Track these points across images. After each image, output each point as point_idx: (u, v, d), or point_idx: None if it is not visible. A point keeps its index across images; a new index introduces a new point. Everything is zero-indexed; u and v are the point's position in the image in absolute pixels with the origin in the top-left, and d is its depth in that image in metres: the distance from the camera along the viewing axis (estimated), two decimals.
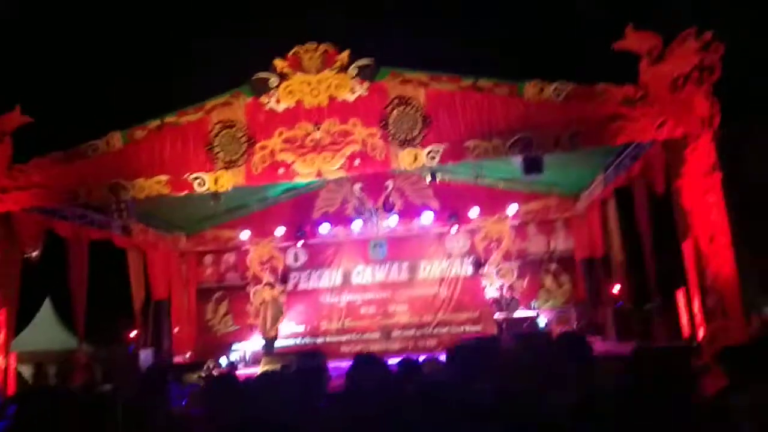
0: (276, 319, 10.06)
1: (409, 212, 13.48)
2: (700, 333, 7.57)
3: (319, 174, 8.91)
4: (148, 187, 8.88)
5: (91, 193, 9.09)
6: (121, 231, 11.61)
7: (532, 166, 8.17)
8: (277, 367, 5.50)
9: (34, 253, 9.71)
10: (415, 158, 8.59)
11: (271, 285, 10.98)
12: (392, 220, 13.32)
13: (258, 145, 8.94)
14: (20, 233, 9.25)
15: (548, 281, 12.98)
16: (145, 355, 10.99)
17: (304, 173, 8.95)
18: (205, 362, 9.29)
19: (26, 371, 11.31)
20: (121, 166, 9.03)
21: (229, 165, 8.90)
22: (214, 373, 9.40)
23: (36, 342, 15.28)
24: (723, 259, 7.38)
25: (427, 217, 13.12)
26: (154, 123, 9.09)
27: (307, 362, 5.18)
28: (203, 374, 8.97)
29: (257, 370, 8.34)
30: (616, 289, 10.53)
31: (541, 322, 11.33)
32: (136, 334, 11.91)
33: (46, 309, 18.15)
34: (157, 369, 4.32)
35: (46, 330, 17.40)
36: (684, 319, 8.08)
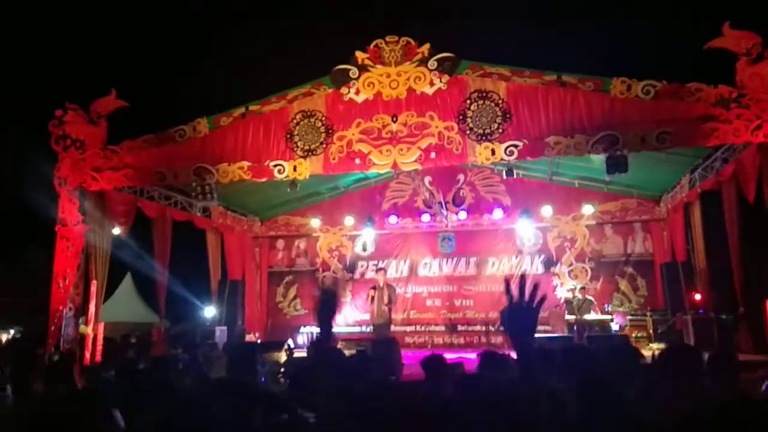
0: (390, 303, 10.05)
1: (480, 207, 13.37)
2: None
3: (395, 165, 8.98)
4: (231, 172, 9.22)
5: (178, 175, 9.53)
6: (201, 213, 12.16)
7: (616, 165, 7.91)
8: (353, 351, 5.62)
9: (123, 230, 10.32)
10: (493, 153, 8.50)
11: (384, 271, 11.05)
12: (462, 214, 13.25)
13: (336, 135, 9.10)
14: (112, 211, 9.84)
15: (623, 284, 12.56)
16: (221, 332, 11.45)
17: (380, 164, 9.04)
18: (284, 342, 9.58)
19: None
20: (207, 151, 9.42)
21: (308, 154, 9.11)
22: (295, 353, 9.70)
23: (118, 314, 16.29)
24: None
25: (497, 213, 12.97)
26: (239, 111, 9.42)
27: (382, 349, 5.29)
28: (287, 353, 9.28)
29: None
30: (698, 296, 10.06)
31: (614, 326, 10.98)
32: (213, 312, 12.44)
33: (127, 283, 19.31)
34: (244, 347, 4.51)
35: (127, 303, 18.52)
36: None
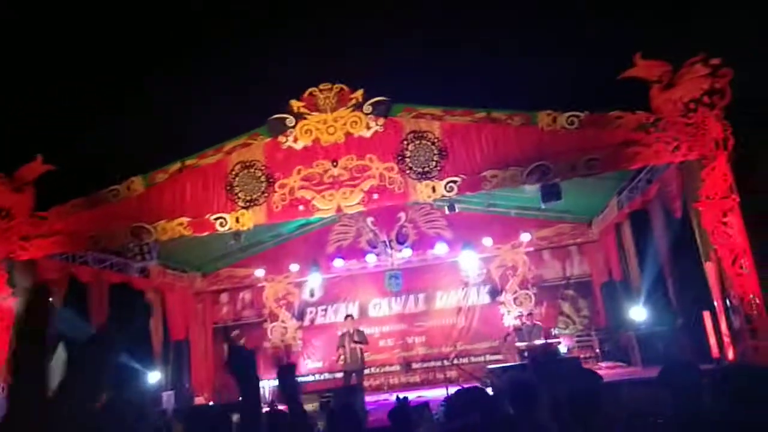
0: (361, 348, 10.52)
1: (423, 243, 13.56)
2: (729, 354, 7.54)
3: (338, 209, 9.02)
4: (171, 229, 8.98)
5: (113, 237, 9.19)
6: (139, 273, 11.71)
7: (550, 194, 8.27)
8: (315, 405, 5.49)
9: (56, 299, 9.76)
10: (434, 190, 8.69)
11: (351, 317, 11.38)
12: (406, 252, 13.39)
13: (277, 183, 9.08)
14: (44, 280, 9.31)
15: (566, 307, 12.96)
16: (168, 397, 10.92)
17: (324, 209, 9.06)
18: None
19: None
20: (143, 209, 9.15)
21: (250, 204, 9.02)
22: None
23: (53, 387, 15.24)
24: (747, 280, 7.41)
25: (441, 248, 13.18)
26: (175, 166, 9.25)
27: (345, 399, 5.20)
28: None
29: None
30: (638, 312, 10.50)
31: (563, 348, 11.25)
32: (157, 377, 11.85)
33: (60, 354, 18.19)
34: (205, 411, 4.33)
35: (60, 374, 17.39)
36: (712, 340, 8.05)
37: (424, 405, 4.66)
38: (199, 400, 12.22)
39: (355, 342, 10.57)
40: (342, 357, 10.65)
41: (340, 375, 13.12)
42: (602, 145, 8.13)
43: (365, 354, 11.01)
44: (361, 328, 11.24)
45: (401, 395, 6.01)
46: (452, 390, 6.84)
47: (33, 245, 9.00)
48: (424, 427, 3.79)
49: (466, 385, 5.11)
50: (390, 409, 4.07)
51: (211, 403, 11.97)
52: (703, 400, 3.00)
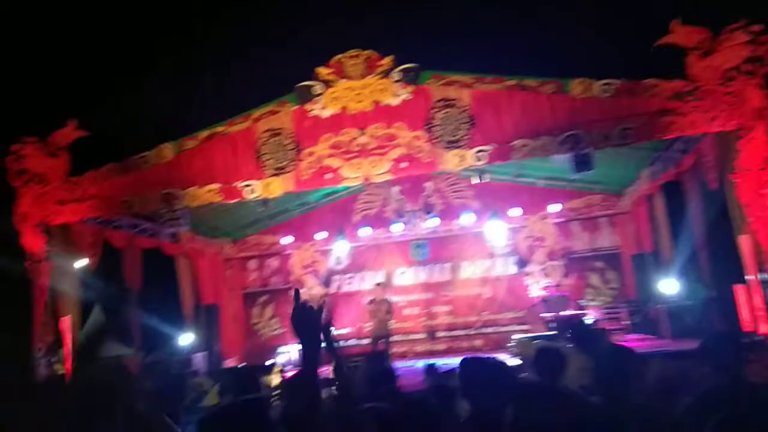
0: (389, 316, 10.95)
1: (450, 213, 13.51)
2: (762, 328, 7.42)
3: (366, 178, 9.00)
4: (201, 195, 9.09)
5: (145, 203, 9.34)
6: (170, 239, 11.94)
7: (582, 163, 8.11)
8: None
9: (91, 263, 10.04)
10: (462, 159, 8.61)
11: (382, 285, 11.69)
12: (433, 222, 13.36)
13: (305, 151, 9.08)
14: (78, 244, 9.58)
15: (594, 279, 12.86)
16: (199, 359, 11.23)
17: (351, 178, 9.05)
18: (272, 364, 9.47)
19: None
20: (174, 176, 9.26)
21: (278, 172, 9.06)
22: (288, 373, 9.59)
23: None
24: None
25: (467, 218, 13.11)
26: (204, 133, 9.31)
27: (375, 363, 5.27)
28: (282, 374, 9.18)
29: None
30: (668, 285, 10.35)
31: (589, 320, 11.20)
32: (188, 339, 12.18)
33: (95, 317, 18.75)
34: (247, 373, 4.45)
35: (95, 338, 17.97)
36: (744, 314, 7.92)
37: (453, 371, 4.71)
38: (228, 363, 12.53)
39: (384, 311, 10.74)
40: (371, 323, 10.88)
41: (366, 341, 13.35)
42: (637, 114, 7.92)
43: (391, 322, 11.17)
44: (388, 297, 11.36)
45: (429, 362, 6.07)
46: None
47: (68, 210, 9.21)
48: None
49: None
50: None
51: (242, 365, 12.27)
52: (743, 373, 2.96)
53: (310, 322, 1.99)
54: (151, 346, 12.92)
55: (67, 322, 9.23)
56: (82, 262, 9.81)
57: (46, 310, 9.04)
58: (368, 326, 11.06)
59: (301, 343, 2.01)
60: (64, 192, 9.27)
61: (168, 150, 9.34)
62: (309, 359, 2.00)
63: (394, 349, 13.16)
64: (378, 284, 11.76)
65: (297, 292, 2.08)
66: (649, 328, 10.94)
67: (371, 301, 11.15)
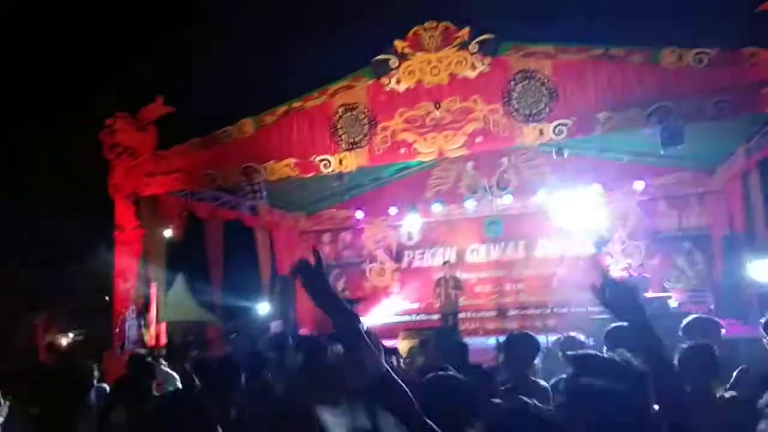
0: (457, 294, 11.14)
1: (526, 189, 13.16)
2: None
3: (440, 153, 8.92)
4: (279, 169, 9.32)
5: (227, 176, 9.69)
6: (249, 211, 12.35)
7: (672, 137, 7.66)
8: (416, 341, 5.62)
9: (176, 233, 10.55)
10: (541, 133, 8.35)
11: (449, 264, 11.89)
12: (507, 198, 13.07)
13: (380, 126, 9.08)
14: (165, 214, 10.08)
15: (680, 260, 12.21)
16: (275, 327, 11.63)
17: (426, 152, 8.99)
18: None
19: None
20: (253, 150, 9.53)
21: (353, 146, 9.12)
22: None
23: (173, 315, 16.71)
24: None
25: (544, 194, 12.74)
26: (282, 108, 9.50)
27: (446, 338, 5.28)
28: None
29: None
30: (761, 268, 9.68)
31: (673, 303, 10.68)
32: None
33: (180, 284, 19.78)
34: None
35: (181, 304, 18.98)
36: None
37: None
38: (302, 332, 12.90)
39: (452, 288, 10.71)
40: (439, 300, 10.88)
41: (435, 317, 13.38)
42: (734, 86, 7.37)
43: (460, 299, 11.15)
44: (457, 275, 11.29)
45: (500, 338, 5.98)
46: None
47: (156, 182, 9.70)
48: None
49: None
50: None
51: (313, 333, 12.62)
52: None
53: (314, 277, 1.75)
54: (230, 313, 13.52)
55: (155, 288, 9.77)
56: (168, 232, 10.34)
57: (139, 276, 9.61)
58: (437, 303, 11.07)
59: (311, 294, 1.74)
60: (152, 165, 9.75)
61: (248, 125, 9.61)
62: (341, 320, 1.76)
63: (465, 326, 13.14)
64: (445, 263, 11.71)
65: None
66: (737, 313, 10.31)
67: (439, 279, 11.21)
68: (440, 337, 5.03)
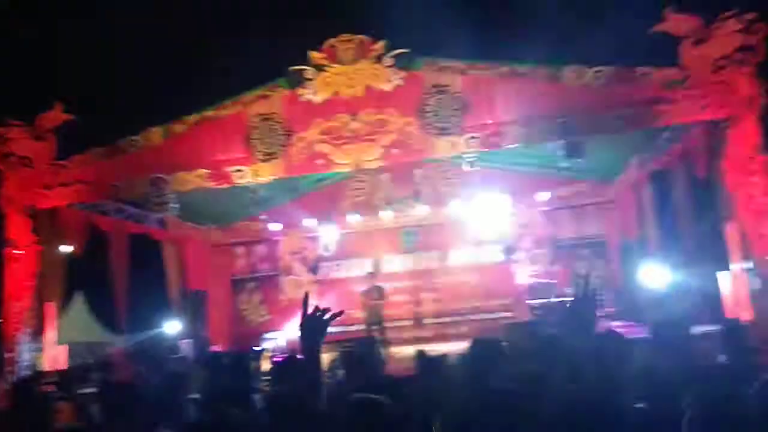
0: (381, 303, 11.21)
1: (439, 200, 13.52)
2: (745, 315, 7.56)
3: (357, 165, 8.98)
4: (190, 180, 9.00)
5: (133, 187, 9.24)
6: (157, 224, 11.83)
7: (574, 150, 8.17)
8: (336, 354, 5.58)
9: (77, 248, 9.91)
10: (454, 146, 8.61)
11: (374, 274, 11.94)
12: (422, 209, 13.37)
13: (296, 136, 9.01)
14: (65, 229, 9.44)
15: (581, 266, 12.98)
16: (186, 346, 11.17)
17: (342, 164, 9.02)
18: (259, 350, 9.38)
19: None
20: (162, 160, 9.15)
21: (268, 157, 8.98)
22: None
23: (71, 336, 15.62)
24: None
25: (456, 205, 13.14)
26: (193, 117, 9.20)
27: (365, 349, 5.28)
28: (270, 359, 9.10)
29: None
30: (653, 273, 10.49)
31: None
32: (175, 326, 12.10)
33: (78, 303, 18.53)
34: (235, 356, 4.43)
35: (80, 324, 17.77)
36: (728, 301, 8.06)
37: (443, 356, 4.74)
38: (214, 349, 12.47)
39: (376, 298, 10.79)
40: (364, 311, 10.92)
41: (354, 328, 13.35)
42: (629, 102, 7.98)
43: (384, 309, 11.27)
44: (381, 285, 11.39)
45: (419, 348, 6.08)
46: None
47: (54, 193, 9.08)
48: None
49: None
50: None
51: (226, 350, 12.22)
52: (697, 356, 3.03)
53: (319, 330, 2.05)
54: (137, 333, 12.84)
55: (51, 308, 9.11)
56: (68, 247, 9.69)
57: (34, 295, 8.92)
58: (360, 313, 11.07)
59: (305, 344, 2.05)
60: (51, 176, 9.13)
61: (156, 134, 9.23)
62: (310, 357, 2.04)
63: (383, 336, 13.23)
64: (370, 273, 11.78)
65: (306, 296, 2.10)
66: (633, 315, 11.09)
67: (364, 290, 11.27)
68: (359, 348, 5.03)
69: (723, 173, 7.75)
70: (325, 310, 2.07)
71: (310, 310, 2.07)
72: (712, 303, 8.75)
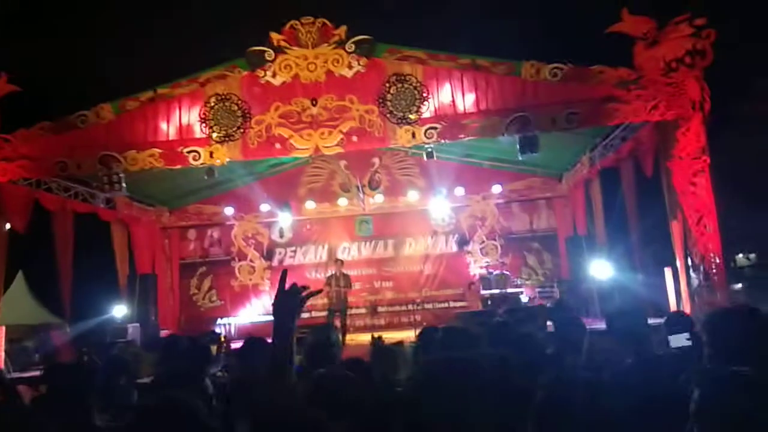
0: (346, 290, 11.03)
1: (395, 190, 13.60)
2: (686, 309, 7.91)
3: (316, 150, 8.90)
4: (141, 159, 8.74)
5: (81, 165, 8.90)
6: (105, 204, 11.45)
7: (529, 145, 8.32)
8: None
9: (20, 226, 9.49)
10: (414, 136, 8.65)
11: (341, 262, 11.63)
12: (378, 197, 13.42)
13: (254, 119, 8.86)
14: (7, 206, 9.02)
15: (531, 259, 13.31)
16: (134, 330, 10.88)
17: (301, 149, 8.93)
18: (212, 334, 9.23)
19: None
20: (113, 138, 8.85)
21: (225, 139, 8.80)
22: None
23: (10, 317, 14.98)
24: (710, 239, 7.71)
25: (412, 195, 13.24)
26: (147, 94, 8.92)
27: (321, 334, 5.28)
28: (221, 345, 8.94)
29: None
30: (600, 267, 10.84)
31: (524, 298, 11.61)
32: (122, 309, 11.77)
33: (19, 283, 17.78)
34: (182, 339, 4.34)
35: (20, 304, 17.06)
36: (671, 295, 8.42)
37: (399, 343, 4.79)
38: (164, 334, 12.20)
39: (342, 286, 10.82)
40: (328, 298, 10.84)
41: (306, 315, 13.29)
42: (583, 100, 8.19)
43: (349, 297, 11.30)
44: (346, 272, 11.34)
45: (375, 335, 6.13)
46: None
47: None
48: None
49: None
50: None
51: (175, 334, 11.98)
52: (651, 346, 3.16)
53: (294, 309, 1.96)
54: (82, 316, 12.42)
55: None
56: (10, 225, 9.27)
57: None
58: (322, 300, 11.02)
59: (277, 323, 1.97)
60: None
61: (107, 110, 8.90)
62: (281, 336, 1.96)
63: (336, 323, 13.24)
64: (337, 260, 11.75)
65: (284, 273, 2.02)
66: (579, 307, 11.44)
67: (329, 276, 11.18)
68: (314, 334, 5.02)
69: (669, 173, 8.06)
70: (303, 287, 1.99)
71: (287, 287, 1.99)
72: (656, 297, 9.10)
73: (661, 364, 2.57)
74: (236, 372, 4.08)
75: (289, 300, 1.95)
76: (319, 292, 2.29)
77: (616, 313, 3.33)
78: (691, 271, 7.93)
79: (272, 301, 1.95)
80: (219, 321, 13.09)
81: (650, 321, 6.64)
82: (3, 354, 8.84)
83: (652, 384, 2.23)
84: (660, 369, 2.41)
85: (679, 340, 2.91)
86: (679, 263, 8.18)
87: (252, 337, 4.15)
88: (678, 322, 3.12)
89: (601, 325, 8.83)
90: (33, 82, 8.96)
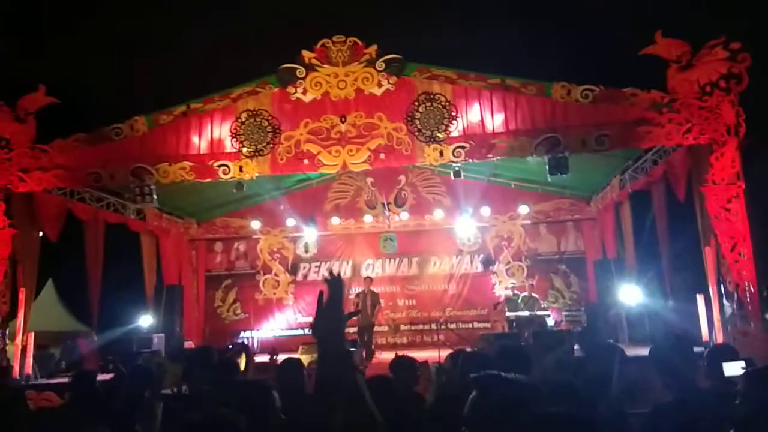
0: (374, 308, 11.09)
1: (421, 208, 13.58)
2: (719, 338, 7.69)
3: (344, 166, 8.94)
4: (173, 172, 8.88)
5: (114, 176, 9.08)
6: (135, 215, 11.66)
7: (558, 166, 8.24)
8: (315, 356, 5.54)
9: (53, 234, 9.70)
10: (441, 154, 8.64)
11: (370, 279, 11.91)
12: (404, 215, 13.41)
13: (283, 135, 8.96)
14: (41, 214, 9.25)
15: (557, 281, 13.11)
16: (158, 340, 10.98)
17: (329, 165, 8.98)
18: (238, 345, 9.25)
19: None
20: (145, 150, 9.03)
21: (255, 154, 8.91)
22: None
23: (39, 323, 15.25)
24: (744, 267, 7.50)
25: (438, 214, 13.20)
26: (180, 108, 9.09)
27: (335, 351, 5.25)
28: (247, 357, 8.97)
29: (280, 357, 8.33)
30: (629, 292, 10.63)
31: (550, 321, 11.41)
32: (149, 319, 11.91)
33: (49, 290, 18.13)
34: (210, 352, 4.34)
35: (49, 311, 17.37)
36: (703, 324, 8.19)
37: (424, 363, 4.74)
38: (188, 345, 12.30)
39: (370, 303, 10.93)
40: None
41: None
42: (614, 122, 8.10)
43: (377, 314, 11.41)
44: (375, 290, 11.47)
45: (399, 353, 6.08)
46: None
47: (32, 178, 8.88)
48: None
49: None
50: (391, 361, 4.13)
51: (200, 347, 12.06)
52: (694, 379, 3.04)
53: (335, 329, 1.86)
54: (109, 324, 12.58)
55: (22, 294, 8.90)
56: (42, 233, 9.49)
57: (5, 279, 8.72)
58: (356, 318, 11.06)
59: (319, 341, 1.88)
60: (30, 159, 8.93)
61: (141, 123, 9.10)
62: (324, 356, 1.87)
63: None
64: (366, 278, 11.87)
65: (321, 294, 1.91)
66: (607, 332, 11.20)
67: (359, 293, 11.26)
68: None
69: (702, 197, 7.89)
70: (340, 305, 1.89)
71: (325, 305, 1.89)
72: (687, 325, 8.86)
73: (705, 402, 2.47)
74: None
75: (330, 322, 1.86)
76: (358, 313, 2.24)
77: (662, 338, 3.20)
78: (724, 299, 7.73)
79: (311, 323, 1.88)
80: (242, 334, 13.15)
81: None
82: (31, 360, 8.96)
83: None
84: (703, 409, 2.32)
85: (734, 369, 2.80)
86: (711, 290, 7.97)
87: (290, 359, 4.09)
88: (725, 351, 3.02)
89: (632, 352, 8.66)
90: (70, 95, 9.19)
